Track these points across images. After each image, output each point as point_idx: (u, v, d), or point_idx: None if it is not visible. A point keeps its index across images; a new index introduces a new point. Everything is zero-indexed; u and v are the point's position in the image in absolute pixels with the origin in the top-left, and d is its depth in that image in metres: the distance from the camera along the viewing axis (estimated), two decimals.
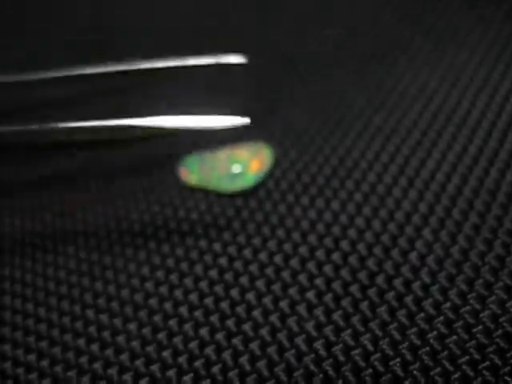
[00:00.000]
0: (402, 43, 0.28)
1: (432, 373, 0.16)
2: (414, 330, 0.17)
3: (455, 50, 0.27)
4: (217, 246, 0.21)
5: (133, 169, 0.25)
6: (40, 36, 0.35)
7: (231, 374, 0.17)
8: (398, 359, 0.17)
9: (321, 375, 0.17)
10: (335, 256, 0.20)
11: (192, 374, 0.18)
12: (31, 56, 0.34)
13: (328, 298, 0.19)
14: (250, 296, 0.19)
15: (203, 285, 0.20)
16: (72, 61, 0.31)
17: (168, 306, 0.19)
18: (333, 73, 0.28)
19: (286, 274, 0.19)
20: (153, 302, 0.20)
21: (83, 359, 0.19)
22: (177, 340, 0.19)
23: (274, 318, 0.18)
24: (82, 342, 0.19)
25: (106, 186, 0.24)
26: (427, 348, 0.17)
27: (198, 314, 0.19)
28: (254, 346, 0.18)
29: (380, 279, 0.19)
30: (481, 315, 0.17)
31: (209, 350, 0.18)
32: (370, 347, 0.17)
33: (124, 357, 0.18)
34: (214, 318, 0.19)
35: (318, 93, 0.26)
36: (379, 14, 0.31)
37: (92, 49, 0.33)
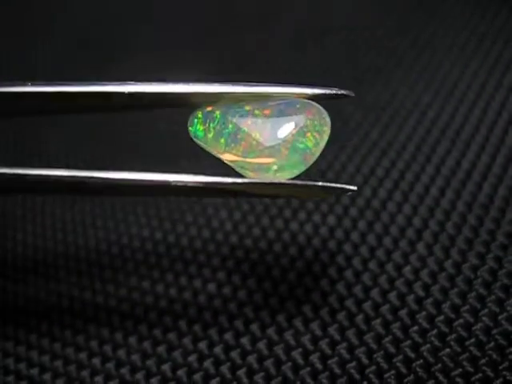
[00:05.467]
0: (398, 57, 0.29)
1: None
2: (408, 342, 0.18)
3: (449, 65, 0.27)
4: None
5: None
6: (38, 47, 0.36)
7: None
8: (393, 372, 0.17)
9: None
10: (331, 270, 0.20)
11: None
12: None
13: (324, 311, 0.19)
14: (248, 310, 0.20)
15: (202, 299, 0.20)
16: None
17: (168, 319, 0.20)
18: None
19: (283, 289, 0.20)
20: (153, 316, 0.20)
21: (85, 373, 0.19)
22: (176, 354, 0.19)
23: (271, 331, 0.19)
24: (83, 355, 0.19)
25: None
26: (421, 361, 0.17)
27: (196, 327, 0.19)
28: (252, 359, 0.18)
29: (375, 293, 0.19)
30: (473, 328, 0.18)
31: (207, 364, 0.19)
32: (365, 360, 0.18)
33: (124, 370, 0.19)
34: (212, 332, 0.19)
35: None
36: (376, 27, 0.31)
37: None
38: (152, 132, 0.27)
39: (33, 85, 0.16)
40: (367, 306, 0.19)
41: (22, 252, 0.23)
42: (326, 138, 0.16)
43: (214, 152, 0.16)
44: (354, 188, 0.16)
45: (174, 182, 0.16)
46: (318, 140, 0.16)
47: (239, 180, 0.16)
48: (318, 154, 0.16)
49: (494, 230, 0.20)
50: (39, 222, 0.24)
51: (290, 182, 0.16)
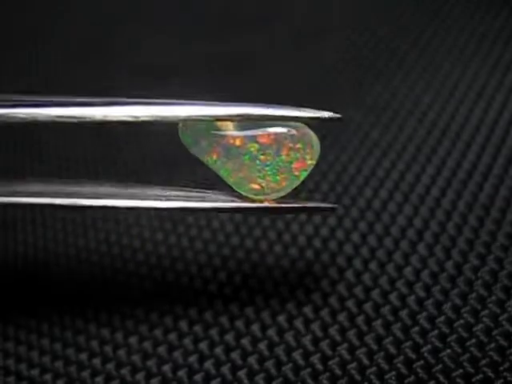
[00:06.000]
0: (398, 58, 0.29)
1: None
2: (408, 343, 0.18)
3: (450, 65, 0.27)
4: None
5: None
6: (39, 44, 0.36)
7: None
8: (394, 372, 0.17)
9: None
10: (331, 271, 0.20)
11: None
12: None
13: (324, 312, 0.19)
14: (249, 311, 0.20)
15: (203, 299, 0.20)
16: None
17: (168, 319, 0.20)
18: (330, 87, 0.28)
19: (283, 289, 0.20)
20: (153, 316, 0.20)
21: (85, 373, 0.19)
22: (177, 354, 0.19)
23: (272, 332, 0.19)
24: (84, 356, 0.19)
25: None
26: (422, 361, 0.17)
27: (197, 328, 0.19)
28: (252, 359, 0.18)
29: (375, 294, 0.19)
30: (474, 329, 0.18)
31: (208, 364, 0.19)
32: (366, 361, 0.18)
33: (125, 371, 0.19)
34: (213, 332, 0.19)
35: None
36: (376, 28, 0.31)
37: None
38: (152, 132, 0.27)
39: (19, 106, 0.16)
40: (368, 306, 0.19)
41: (23, 252, 0.23)
42: (314, 163, 0.17)
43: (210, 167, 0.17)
44: (335, 206, 0.19)
45: (158, 208, 0.17)
46: (306, 170, 0.17)
47: (221, 205, 0.17)
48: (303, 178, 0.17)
49: (494, 230, 0.20)
50: (40, 223, 0.24)
51: (274, 205, 0.17)
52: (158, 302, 0.20)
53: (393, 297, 0.19)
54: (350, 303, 0.19)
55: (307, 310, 0.19)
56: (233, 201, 0.17)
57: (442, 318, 0.18)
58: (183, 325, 0.20)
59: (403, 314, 0.18)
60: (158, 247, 0.22)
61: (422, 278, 0.19)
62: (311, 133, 0.17)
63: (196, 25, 0.35)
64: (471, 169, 0.22)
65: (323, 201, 0.22)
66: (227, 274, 0.21)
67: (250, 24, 0.34)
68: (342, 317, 0.19)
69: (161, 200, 0.17)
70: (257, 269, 0.21)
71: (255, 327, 0.19)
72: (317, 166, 0.24)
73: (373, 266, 0.20)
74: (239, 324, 0.19)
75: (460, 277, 0.19)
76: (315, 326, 0.19)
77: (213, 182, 0.17)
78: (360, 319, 0.19)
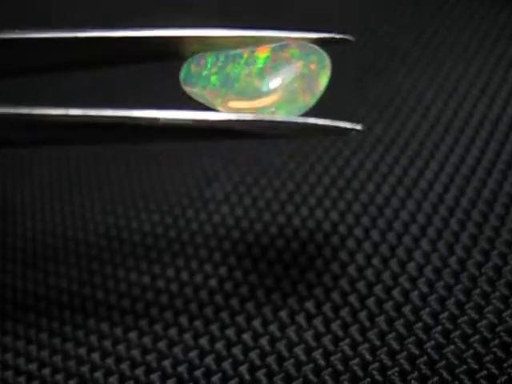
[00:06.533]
0: (401, 55, 0.29)
1: (430, 382, 0.17)
2: (411, 339, 0.18)
3: (452, 63, 0.27)
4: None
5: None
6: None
7: (231, 383, 0.18)
8: (396, 369, 0.17)
9: None
10: (334, 266, 0.20)
11: None
12: None
13: (327, 307, 0.19)
14: (250, 306, 0.19)
15: (203, 294, 0.20)
16: None
17: (168, 315, 0.20)
18: (333, 83, 0.28)
19: (285, 284, 0.20)
20: (153, 311, 0.20)
21: (84, 368, 0.19)
22: (177, 349, 0.19)
23: (273, 327, 0.19)
24: (83, 351, 0.19)
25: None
26: (425, 357, 0.17)
27: (197, 323, 0.19)
28: (254, 355, 0.18)
29: (378, 289, 0.19)
30: (478, 325, 0.17)
31: (209, 360, 0.18)
32: (368, 357, 0.17)
33: (124, 366, 0.19)
34: (213, 328, 0.19)
35: (318, 103, 0.27)
36: (379, 26, 0.31)
37: None
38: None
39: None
40: (371, 302, 0.19)
41: (22, 247, 0.23)
42: (326, 79, 0.15)
43: (208, 98, 0.15)
44: (350, 126, 0.15)
45: (162, 118, 0.15)
46: (316, 79, 0.15)
47: (231, 116, 0.15)
48: (317, 95, 0.15)
49: (498, 226, 0.20)
50: (39, 218, 0.24)
51: (283, 119, 0.15)
52: (157, 296, 0.20)
53: (396, 292, 0.19)
54: (353, 298, 0.19)
55: (309, 305, 0.19)
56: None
57: (446, 314, 0.18)
58: (183, 320, 0.19)
59: (406, 309, 0.18)
60: (158, 241, 0.22)
61: (426, 273, 0.19)
62: (323, 54, 0.15)
63: (196, 24, 0.35)
64: (475, 164, 0.22)
65: (323, 198, 0.22)
66: (228, 269, 0.21)
67: (250, 23, 0.34)
68: (344, 312, 0.19)
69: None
70: (258, 263, 0.20)
71: (256, 322, 0.19)
72: (319, 159, 0.24)
73: (376, 261, 0.20)
74: (240, 319, 0.19)
75: (463, 272, 0.19)
76: (317, 322, 0.18)
77: None
78: (363, 315, 0.18)
